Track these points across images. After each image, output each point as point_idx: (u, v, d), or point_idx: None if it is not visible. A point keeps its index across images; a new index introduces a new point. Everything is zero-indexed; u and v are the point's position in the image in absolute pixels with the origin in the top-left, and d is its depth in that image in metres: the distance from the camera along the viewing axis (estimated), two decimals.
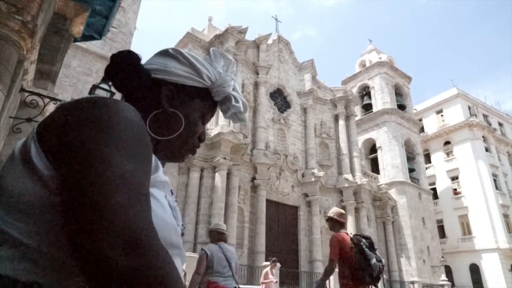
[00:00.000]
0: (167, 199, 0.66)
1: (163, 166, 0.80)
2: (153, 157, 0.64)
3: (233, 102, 0.79)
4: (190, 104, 0.77)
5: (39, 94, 4.69)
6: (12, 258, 0.52)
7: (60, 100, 5.20)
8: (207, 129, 19.34)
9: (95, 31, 6.48)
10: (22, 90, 4.62)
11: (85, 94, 13.24)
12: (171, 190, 0.72)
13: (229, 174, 18.60)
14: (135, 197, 0.50)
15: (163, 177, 0.68)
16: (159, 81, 0.75)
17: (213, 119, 19.85)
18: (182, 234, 0.71)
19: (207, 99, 0.79)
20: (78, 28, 5.89)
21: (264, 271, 9.21)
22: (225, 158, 18.23)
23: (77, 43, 8.73)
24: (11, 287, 0.50)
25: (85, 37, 6.40)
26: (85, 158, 0.51)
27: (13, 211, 0.54)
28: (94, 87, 6.18)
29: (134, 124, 0.58)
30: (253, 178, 20.44)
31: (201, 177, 18.41)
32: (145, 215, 0.51)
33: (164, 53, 0.78)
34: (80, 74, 16.23)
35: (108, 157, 0.51)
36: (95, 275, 0.45)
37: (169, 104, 0.74)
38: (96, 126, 0.54)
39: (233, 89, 0.80)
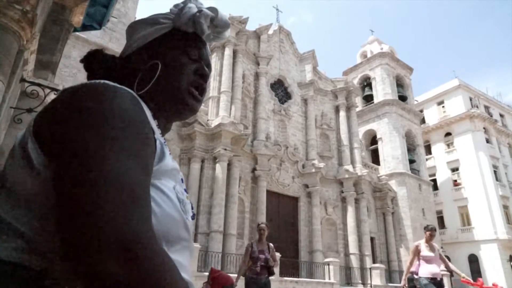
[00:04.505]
0: (176, 191, 0.62)
1: (179, 119, 0.78)
2: (158, 142, 0.61)
3: (197, 14, 0.74)
4: (164, 50, 0.75)
5: (39, 85, 4.69)
6: (19, 248, 0.52)
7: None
8: (208, 120, 19.31)
9: (95, 21, 6.43)
10: (23, 80, 4.62)
11: None
12: (181, 179, 0.69)
13: (229, 165, 18.64)
14: (131, 199, 0.46)
15: (171, 164, 0.64)
16: (131, 56, 0.76)
17: (214, 110, 19.82)
18: (193, 218, 0.69)
19: (182, 36, 0.76)
20: (77, 18, 5.85)
21: (413, 246, 6.17)
22: (225, 149, 18.24)
23: (77, 33, 8.68)
24: (21, 274, 0.50)
25: (85, 27, 6.35)
26: (74, 155, 0.47)
27: (16, 204, 0.54)
28: None
29: (130, 114, 0.54)
30: (254, 169, 20.48)
31: (201, 168, 18.44)
32: (142, 218, 0.46)
33: (127, 32, 0.79)
34: (80, 65, 16.06)
35: (100, 154, 0.47)
36: (88, 283, 0.42)
37: (143, 64, 0.73)
38: (88, 118, 0.50)
39: (198, 11, 0.75)
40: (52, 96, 5.10)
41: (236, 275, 5.81)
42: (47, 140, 0.53)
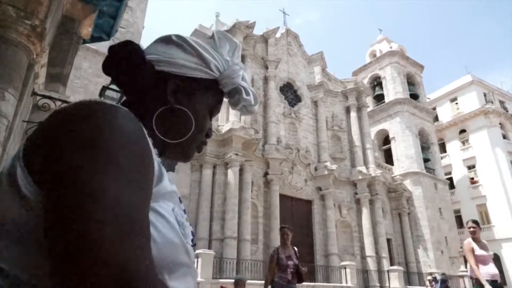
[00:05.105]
0: (175, 213, 0.59)
1: (171, 167, 0.75)
2: (156, 164, 0.57)
3: (244, 95, 0.74)
4: (197, 98, 0.70)
5: (50, 97, 4.73)
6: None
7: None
8: (218, 126, 19.35)
9: (103, 32, 6.49)
10: (34, 93, 4.66)
11: (96, 95, 13.38)
12: (179, 199, 0.65)
13: (241, 170, 18.60)
14: (130, 229, 0.43)
15: (169, 187, 0.60)
16: (164, 74, 0.68)
17: (224, 115, 19.86)
18: (194, 245, 0.65)
19: (215, 91, 0.73)
20: (86, 29, 5.91)
21: (465, 245, 5.36)
22: (237, 154, 18.22)
23: (86, 44, 8.78)
24: None
25: (94, 39, 6.42)
26: (68, 182, 0.43)
27: (0, 238, 0.49)
28: (104, 88, 6.20)
29: (130, 137, 0.50)
30: (266, 173, 20.40)
31: (213, 174, 18.46)
32: (141, 249, 0.43)
33: (167, 41, 0.71)
34: (91, 76, 16.40)
35: (97, 180, 0.43)
36: None
37: (175, 100, 0.68)
38: (84, 142, 0.46)
39: (242, 79, 0.74)
40: None
41: (253, 281, 5.54)
42: (37, 166, 0.48)
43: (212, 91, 0.73)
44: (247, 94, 0.74)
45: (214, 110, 0.75)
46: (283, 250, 5.05)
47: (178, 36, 0.71)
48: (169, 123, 0.68)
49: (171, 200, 0.60)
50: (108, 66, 0.69)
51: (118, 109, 0.52)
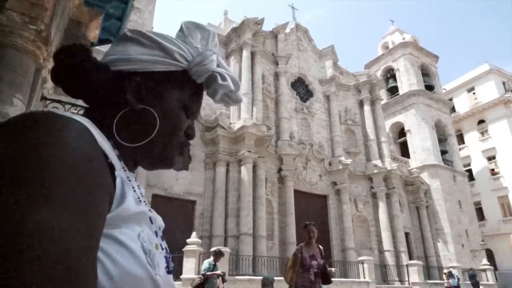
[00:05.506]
0: (141, 239, 0.51)
1: (184, 165, 0.68)
2: (119, 181, 0.50)
3: (220, 81, 0.65)
4: (165, 94, 0.63)
5: (60, 101, 4.79)
6: None
7: (81, 106, 5.29)
8: (230, 123, 19.36)
9: (110, 34, 6.54)
10: (43, 98, 4.73)
11: None
12: (150, 218, 0.57)
13: (255, 167, 18.58)
14: (68, 272, 0.34)
15: (135, 208, 0.52)
16: (123, 74, 0.61)
17: (236, 112, 19.86)
18: (170, 272, 0.57)
19: (188, 84, 0.65)
20: (93, 32, 5.97)
21: None
22: (250, 151, 18.20)
23: (95, 47, 8.87)
24: None
25: (102, 41, 6.47)
26: None
27: None
28: None
29: (72, 154, 0.42)
30: (280, 170, 20.34)
31: (227, 171, 18.50)
32: None
33: (123, 39, 0.64)
34: None
35: (29, 209, 0.35)
36: None
37: (137, 100, 0.60)
38: (19, 161, 0.38)
39: (218, 66, 0.66)
40: (73, 111, 5.21)
41: (278, 278, 5.17)
42: None
43: (184, 84, 0.65)
44: (224, 79, 0.66)
45: (191, 105, 0.67)
46: (307, 249, 4.69)
47: (133, 31, 0.65)
48: (134, 126, 0.60)
49: (139, 223, 0.53)
50: (57, 75, 0.61)
51: (69, 122, 0.45)
